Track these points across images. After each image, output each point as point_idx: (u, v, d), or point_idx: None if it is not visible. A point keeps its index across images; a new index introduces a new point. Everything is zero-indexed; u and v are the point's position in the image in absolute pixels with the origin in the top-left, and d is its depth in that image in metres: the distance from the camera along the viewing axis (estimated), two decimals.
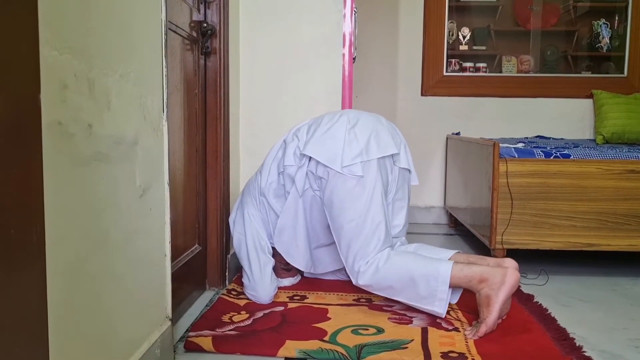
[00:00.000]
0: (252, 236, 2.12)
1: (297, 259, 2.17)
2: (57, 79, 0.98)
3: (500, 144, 2.56)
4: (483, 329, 1.76)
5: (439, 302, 1.86)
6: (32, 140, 0.84)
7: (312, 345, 1.67)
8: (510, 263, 1.90)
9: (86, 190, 1.09)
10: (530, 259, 2.69)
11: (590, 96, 3.86)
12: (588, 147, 2.79)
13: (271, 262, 2.11)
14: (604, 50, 4.01)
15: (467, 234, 3.49)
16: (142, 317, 1.40)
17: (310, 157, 2.00)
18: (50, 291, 0.94)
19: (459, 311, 2.00)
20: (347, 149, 1.94)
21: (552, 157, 2.55)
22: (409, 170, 2.15)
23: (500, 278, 1.81)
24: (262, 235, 2.14)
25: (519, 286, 2.26)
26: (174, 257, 1.76)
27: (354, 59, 2.62)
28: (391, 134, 2.07)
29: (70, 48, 1.01)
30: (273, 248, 2.17)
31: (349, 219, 1.95)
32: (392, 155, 2.04)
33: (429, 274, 1.85)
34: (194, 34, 2.11)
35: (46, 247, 0.93)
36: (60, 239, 1.00)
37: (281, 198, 2.12)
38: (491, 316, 1.77)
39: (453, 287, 1.88)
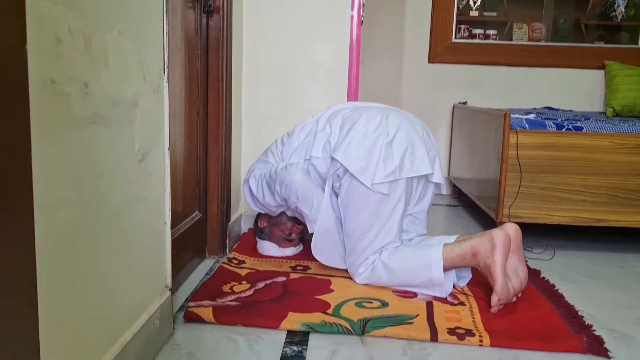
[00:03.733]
0: (296, 175, 2.02)
1: (338, 261, 2.03)
2: (50, 32, 0.90)
3: (511, 115, 2.48)
4: (494, 298, 1.72)
5: (439, 288, 1.84)
6: (18, 97, 0.76)
7: (315, 318, 1.62)
8: (504, 227, 1.84)
9: (82, 154, 1.02)
10: (537, 233, 2.64)
11: (602, 67, 3.76)
12: (600, 120, 2.71)
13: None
14: (619, 20, 3.89)
15: (471, 206, 3.43)
16: (140, 287, 1.35)
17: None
18: (42, 260, 0.88)
19: (464, 285, 1.95)
20: (381, 166, 1.86)
21: (564, 130, 2.47)
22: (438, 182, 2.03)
23: (489, 244, 1.78)
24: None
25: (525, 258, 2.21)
26: (173, 224, 1.70)
27: (361, 22, 2.51)
28: (427, 147, 1.96)
29: None
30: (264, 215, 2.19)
31: (362, 230, 1.92)
32: None
33: (422, 264, 1.84)
34: None
35: (39, 213, 0.87)
36: (54, 205, 0.93)
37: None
38: (497, 282, 1.73)
39: (449, 268, 1.86)
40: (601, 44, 3.89)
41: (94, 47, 1.05)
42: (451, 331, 1.58)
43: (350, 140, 1.91)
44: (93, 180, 1.07)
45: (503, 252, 1.77)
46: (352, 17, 2.45)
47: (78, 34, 0.99)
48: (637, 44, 3.80)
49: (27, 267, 0.81)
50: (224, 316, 1.61)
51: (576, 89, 3.81)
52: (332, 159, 1.93)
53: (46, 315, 0.89)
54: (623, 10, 3.86)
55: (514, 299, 1.80)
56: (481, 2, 3.95)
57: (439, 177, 1.98)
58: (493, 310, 1.72)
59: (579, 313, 1.75)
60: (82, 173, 1.03)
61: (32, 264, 0.83)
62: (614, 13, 3.88)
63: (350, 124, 1.95)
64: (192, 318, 1.61)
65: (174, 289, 1.63)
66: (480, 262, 1.79)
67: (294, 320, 1.60)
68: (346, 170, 1.89)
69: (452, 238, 1.96)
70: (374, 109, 2.03)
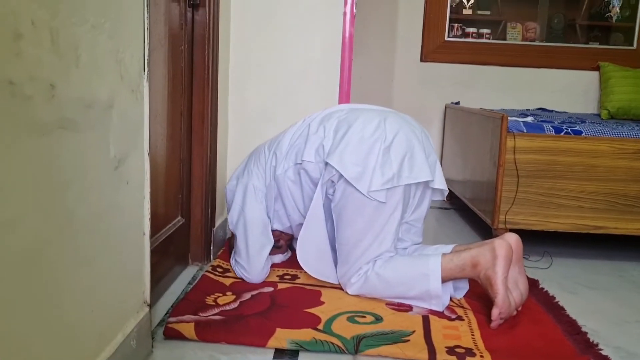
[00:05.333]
0: (256, 211, 1.94)
1: (329, 274, 1.91)
2: (8, 26, 0.78)
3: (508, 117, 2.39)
4: (495, 312, 1.63)
5: (436, 300, 1.74)
6: None
7: (305, 335, 1.52)
8: (505, 237, 1.76)
9: (47, 163, 0.91)
10: (533, 240, 2.55)
11: (597, 68, 3.69)
12: (597, 123, 2.63)
13: (271, 243, 1.94)
14: (614, 20, 3.81)
15: (464, 208, 3.35)
16: (116, 305, 1.23)
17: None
18: None
19: (461, 297, 1.86)
20: (379, 172, 1.74)
21: (562, 133, 2.39)
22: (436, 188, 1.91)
23: (490, 254, 1.69)
24: (265, 213, 1.97)
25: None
26: (153, 231, 1.58)
27: (354, 18, 2.40)
28: (426, 151, 1.84)
29: None
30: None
31: (355, 239, 1.80)
32: None
33: (419, 274, 1.74)
34: None
35: None
36: (14, 222, 0.82)
37: (297, 185, 1.92)
38: (499, 295, 1.64)
39: (447, 280, 1.76)
40: (595, 45, 3.81)
41: (62, 43, 0.93)
42: (450, 350, 1.48)
43: (346, 144, 1.79)
44: (59, 192, 0.95)
45: (505, 263, 1.68)
46: (344, 13, 2.34)
47: (43, 29, 0.87)
48: (632, 45, 3.73)
49: None
50: (207, 333, 1.50)
51: (570, 90, 3.74)
52: (326, 164, 1.82)
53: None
54: (618, 10, 3.79)
55: (515, 312, 1.72)
56: (475, 0, 3.85)
57: (441, 182, 1.87)
58: (494, 324, 1.63)
59: (583, 329, 1.66)
60: (47, 184, 0.91)
61: None
62: (609, 13, 3.80)
63: (346, 127, 1.83)
64: (173, 335, 1.50)
65: (153, 301, 1.52)
66: (480, 273, 1.70)
67: (282, 338, 1.49)
68: (341, 176, 1.78)
69: (449, 247, 1.86)
70: (371, 111, 1.92)
